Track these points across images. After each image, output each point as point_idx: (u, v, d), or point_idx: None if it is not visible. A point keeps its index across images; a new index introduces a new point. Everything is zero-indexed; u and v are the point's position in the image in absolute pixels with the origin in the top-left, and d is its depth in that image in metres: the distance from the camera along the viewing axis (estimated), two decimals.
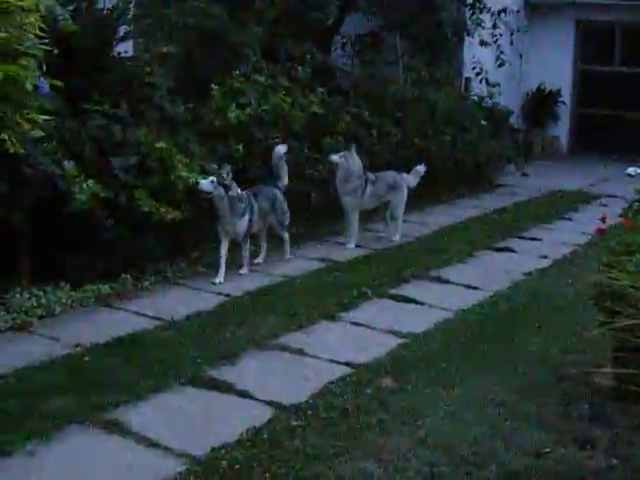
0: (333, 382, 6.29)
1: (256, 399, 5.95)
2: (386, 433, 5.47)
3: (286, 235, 9.89)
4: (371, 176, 10.80)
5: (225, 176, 8.71)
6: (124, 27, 10.29)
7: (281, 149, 9.83)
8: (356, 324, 7.68)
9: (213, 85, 10.46)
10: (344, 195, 10.63)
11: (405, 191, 11.11)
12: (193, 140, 9.42)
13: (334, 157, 10.55)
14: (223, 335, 7.16)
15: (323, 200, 11.05)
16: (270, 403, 5.87)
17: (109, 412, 5.61)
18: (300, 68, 12.08)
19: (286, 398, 5.95)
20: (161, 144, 8.55)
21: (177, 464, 5.01)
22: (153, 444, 5.24)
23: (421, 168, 11.46)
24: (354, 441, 5.34)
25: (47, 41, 6.94)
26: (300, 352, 6.89)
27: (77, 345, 6.82)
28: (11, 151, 6.73)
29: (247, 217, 9.03)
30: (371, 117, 12.68)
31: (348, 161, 10.50)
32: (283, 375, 6.45)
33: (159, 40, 11.55)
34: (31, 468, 4.94)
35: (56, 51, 7.21)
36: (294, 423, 5.56)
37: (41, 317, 7.34)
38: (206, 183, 8.65)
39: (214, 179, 8.70)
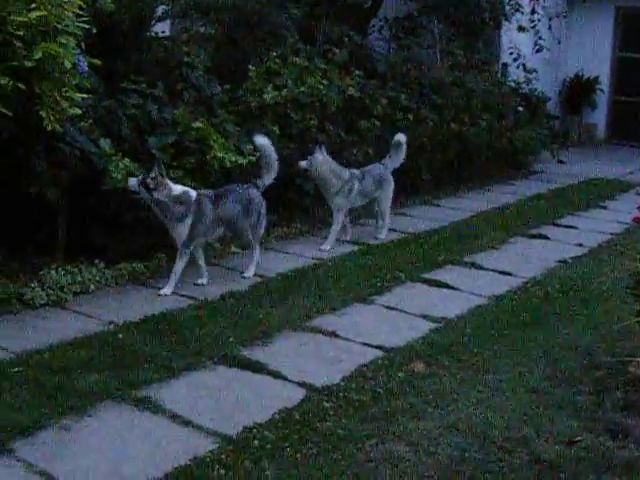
0: (365, 365, 6.30)
1: (288, 380, 5.97)
2: (417, 417, 5.46)
3: (256, 247, 8.51)
4: (356, 172, 9.99)
5: (152, 176, 7.54)
6: (162, 7, 10.31)
7: (258, 141, 8.60)
8: (389, 308, 7.68)
9: (250, 66, 10.46)
10: (331, 196, 9.77)
11: (392, 185, 10.43)
12: (229, 120, 9.41)
13: (302, 163, 9.66)
14: (256, 316, 7.18)
15: None
16: (302, 384, 5.89)
17: (142, 389, 5.64)
18: (337, 51, 12.07)
19: (318, 380, 5.96)
20: (197, 124, 8.56)
21: (209, 442, 5.03)
22: (185, 422, 5.27)
23: (401, 137, 10.50)
24: (385, 424, 5.34)
25: (86, 19, 6.97)
26: (333, 334, 6.90)
27: (111, 322, 6.87)
28: (49, 129, 6.75)
29: (188, 222, 7.75)
30: (407, 101, 12.64)
31: (313, 165, 9.57)
32: (316, 357, 6.46)
33: (197, 20, 11.57)
34: (65, 442, 4.97)
35: (94, 30, 7.22)
36: (326, 405, 5.57)
37: (76, 294, 7.39)
38: (131, 182, 7.65)
39: (140, 179, 7.63)
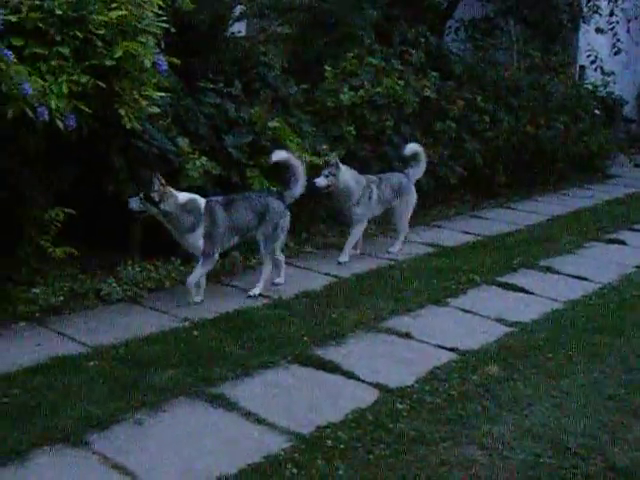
0: (439, 367, 6.27)
1: (362, 380, 5.95)
2: (491, 421, 5.42)
3: (267, 261, 7.84)
4: (373, 178, 9.30)
5: (155, 189, 7.16)
6: (240, 7, 10.37)
7: (277, 155, 7.93)
8: (463, 310, 7.64)
9: (326, 66, 10.47)
10: (352, 207, 9.01)
11: (413, 196, 9.72)
12: (305, 120, 9.44)
13: (321, 181, 8.70)
14: (330, 315, 7.19)
15: (433, 185, 11.00)
16: (376, 385, 5.87)
17: (216, 386, 5.68)
18: (414, 52, 12.04)
19: (392, 381, 5.94)
20: (274, 123, 8.61)
21: (281, 441, 5.04)
22: (258, 420, 5.28)
23: (414, 146, 9.67)
24: (459, 427, 5.31)
25: (165, 19, 7.03)
26: (407, 336, 6.88)
27: (186, 319, 6.93)
28: (127, 127, 6.83)
29: (200, 232, 7.33)
30: (484, 103, 12.57)
31: (338, 179, 8.80)
32: (389, 358, 6.43)
33: (274, 20, 11.61)
34: (139, 437, 5.02)
35: (173, 29, 7.28)
36: (399, 406, 5.55)
37: (151, 290, 7.48)
38: (133, 202, 7.24)
39: (141, 196, 7.21)
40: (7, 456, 4.66)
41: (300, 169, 7.90)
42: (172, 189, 7.29)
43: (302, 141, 8.90)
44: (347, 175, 8.89)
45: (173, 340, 6.46)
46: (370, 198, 9.14)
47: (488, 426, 5.34)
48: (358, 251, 9.27)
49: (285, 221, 7.85)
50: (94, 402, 5.34)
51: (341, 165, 8.80)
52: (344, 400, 5.62)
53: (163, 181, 7.19)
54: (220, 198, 7.58)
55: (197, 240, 7.34)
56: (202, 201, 7.40)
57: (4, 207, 6.94)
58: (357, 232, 9.13)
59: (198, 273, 7.39)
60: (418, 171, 9.71)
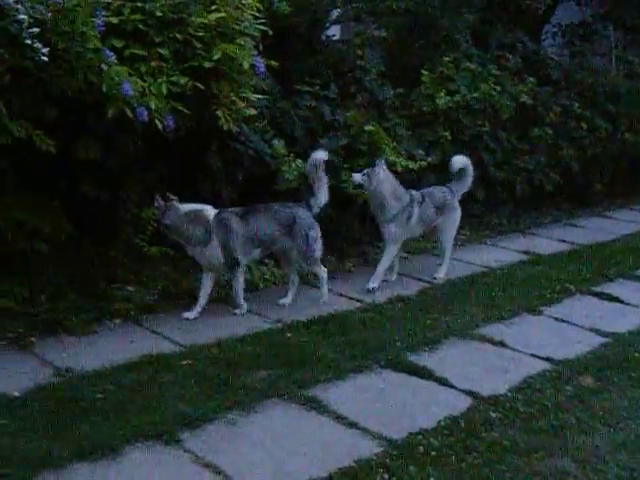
0: (532, 377, 6.18)
1: (455, 387, 5.90)
2: (585, 433, 5.32)
3: (319, 270, 7.55)
4: (416, 194, 8.35)
5: (155, 205, 7.00)
6: (336, 10, 10.39)
7: (320, 155, 7.42)
8: (558, 319, 7.52)
9: (423, 70, 10.43)
10: (385, 223, 8.17)
11: (458, 213, 8.77)
12: (400, 124, 9.41)
13: (356, 177, 8.11)
14: (424, 321, 7.15)
15: (529, 191, 10.88)
16: (468, 392, 5.81)
17: (308, 389, 5.67)
18: (510, 56, 11.93)
19: (485, 389, 5.87)
20: (369, 127, 8.59)
21: (373, 445, 5.01)
22: (350, 424, 5.26)
23: (459, 159, 8.69)
24: (552, 438, 5.22)
25: (263, 21, 7.07)
26: (500, 344, 6.79)
27: (279, 321, 6.97)
28: (224, 128, 6.88)
29: (215, 243, 7.01)
30: (581, 109, 12.39)
31: (372, 181, 8.02)
32: (483, 366, 6.36)
33: (370, 24, 11.61)
34: (231, 437, 5.04)
35: (270, 32, 7.32)
36: (492, 415, 5.48)
37: (244, 292, 7.49)
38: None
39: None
40: (101, 451, 4.71)
41: (324, 178, 7.40)
42: (177, 203, 7.00)
43: (397, 145, 8.87)
44: (384, 184, 8.04)
45: (265, 341, 6.49)
46: (409, 218, 8.21)
47: (582, 438, 5.24)
48: (394, 277, 8.45)
49: (315, 232, 7.35)
50: (186, 401, 5.38)
51: (381, 170, 8.00)
52: (436, 407, 5.57)
53: (170, 195, 6.99)
54: (238, 209, 7.23)
55: (213, 252, 7.04)
56: (212, 212, 7.07)
57: (103, 207, 7.04)
58: (390, 255, 8.19)
59: (235, 287, 7.18)
60: (464, 185, 8.75)
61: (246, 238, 7.12)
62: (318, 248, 7.40)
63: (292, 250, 7.36)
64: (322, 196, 7.39)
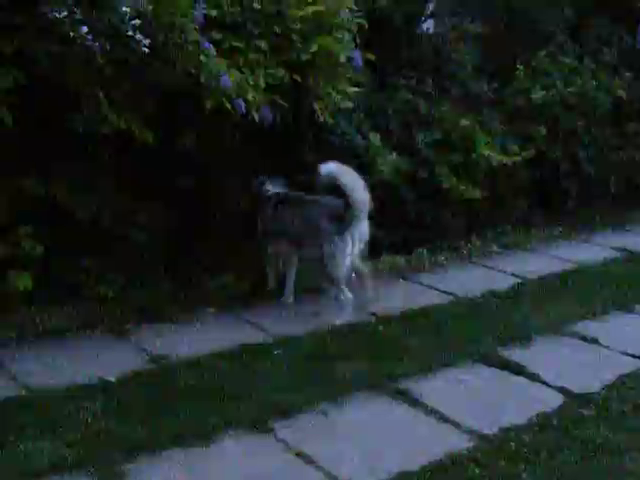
0: (626, 375, 6.09)
1: (547, 384, 5.84)
2: None
3: (341, 284, 6.85)
4: None
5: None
6: (432, 4, 10.36)
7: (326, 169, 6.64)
8: None
9: (518, 65, 10.33)
10: None
11: None
12: (495, 119, 9.35)
13: None
14: (515, 316, 7.11)
15: (624, 187, 10.71)
16: (561, 389, 5.75)
17: (400, 382, 5.68)
18: (607, 50, 11.74)
19: (577, 386, 5.81)
20: (464, 121, 8.56)
21: (464, 440, 5.00)
22: (441, 417, 5.25)
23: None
24: None
25: (360, 14, 7.08)
26: (594, 341, 6.71)
27: (372, 313, 6.98)
28: (321, 120, 6.92)
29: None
30: None
31: None
32: (575, 362, 6.30)
33: (465, 18, 11.53)
34: (322, 427, 5.07)
35: (367, 25, 7.33)
36: (585, 413, 5.43)
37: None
38: None
39: None
40: (195, 437, 4.78)
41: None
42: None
43: (491, 140, 8.81)
44: None
45: (359, 334, 6.52)
46: None
47: None
48: None
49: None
50: (278, 390, 5.42)
51: None
52: (528, 403, 5.53)
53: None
54: (282, 192, 7.16)
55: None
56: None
57: (198, 198, 7.13)
58: None
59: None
60: None
61: (274, 223, 7.09)
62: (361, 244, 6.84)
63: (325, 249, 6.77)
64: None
